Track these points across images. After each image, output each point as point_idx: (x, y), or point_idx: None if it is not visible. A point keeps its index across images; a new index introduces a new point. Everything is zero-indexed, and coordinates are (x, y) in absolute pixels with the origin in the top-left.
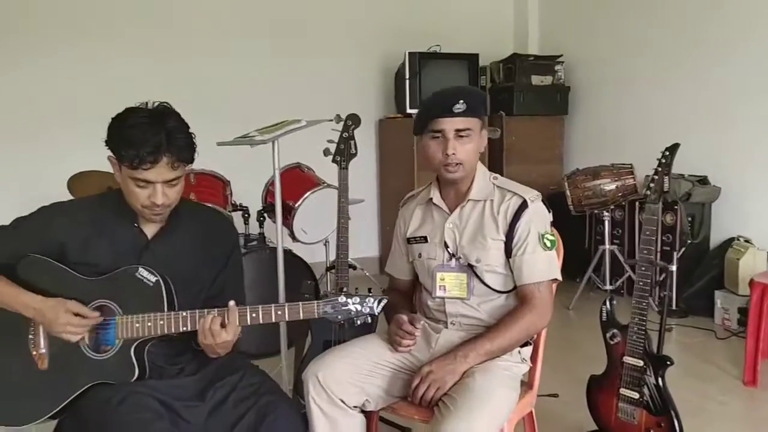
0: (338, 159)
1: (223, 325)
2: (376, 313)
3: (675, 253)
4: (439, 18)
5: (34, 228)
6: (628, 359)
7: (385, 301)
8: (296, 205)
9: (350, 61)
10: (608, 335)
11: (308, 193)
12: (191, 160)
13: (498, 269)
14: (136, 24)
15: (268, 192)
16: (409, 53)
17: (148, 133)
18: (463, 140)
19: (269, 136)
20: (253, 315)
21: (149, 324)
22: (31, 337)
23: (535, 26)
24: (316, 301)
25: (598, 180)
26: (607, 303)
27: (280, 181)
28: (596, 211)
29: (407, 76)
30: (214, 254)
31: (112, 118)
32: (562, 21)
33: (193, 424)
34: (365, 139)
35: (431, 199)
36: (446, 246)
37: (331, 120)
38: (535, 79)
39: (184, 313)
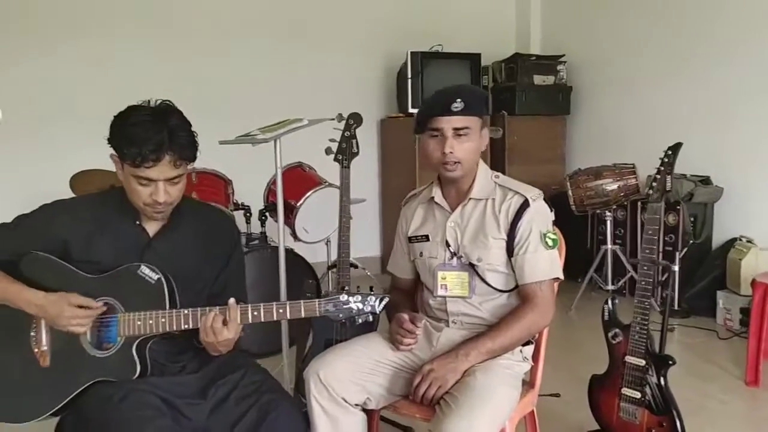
0: (340, 158)
1: (224, 323)
2: (378, 312)
3: (677, 253)
4: (441, 17)
5: (36, 225)
6: (629, 359)
7: (386, 300)
8: (298, 204)
9: (352, 60)
10: (610, 334)
11: (310, 193)
12: (193, 159)
13: (499, 268)
14: (138, 22)
15: (270, 191)
16: (411, 53)
17: (150, 131)
18: (462, 139)
19: (271, 135)
20: (255, 313)
21: (151, 322)
22: (33, 334)
23: (537, 26)
24: (317, 300)
25: (600, 180)
26: (609, 302)
27: (282, 180)
28: (598, 211)
29: (409, 76)
30: (216, 252)
31: (115, 116)
32: (564, 21)
33: (195, 422)
34: (367, 138)
35: (433, 197)
36: (448, 245)
37: (333, 119)
38: (537, 79)
39: (186, 311)
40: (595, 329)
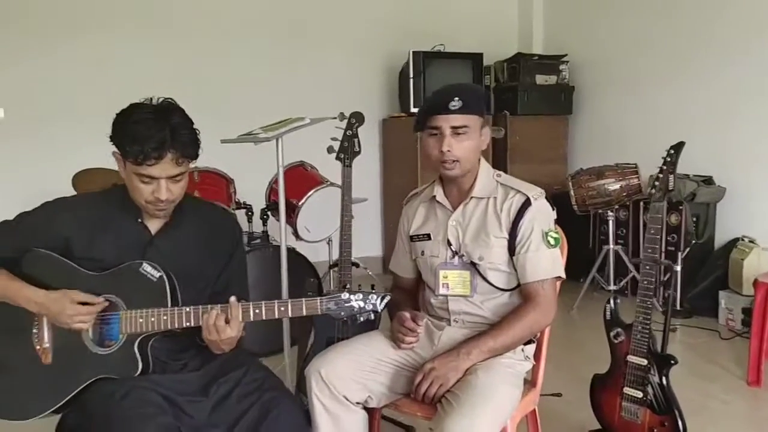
0: (342, 157)
1: (227, 321)
2: (379, 310)
3: (679, 253)
4: (443, 17)
5: (38, 223)
6: (631, 358)
7: (388, 298)
8: (300, 204)
9: (354, 60)
10: (612, 334)
11: (312, 192)
12: (195, 156)
13: (501, 267)
14: (138, 22)
15: (272, 190)
16: (413, 52)
17: (152, 129)
18: (461, 137)
19: (273, 134)
20: (257, 311)
21: (153, 319)
22: (35, 331)
23: (539, 26)
24: (319, 298)
25: (603, 180)
26: (611, 301)
27: (284, 179)
28: (600, 211)
29: (411, 75)
30: (218, 250)
31: (117, 114)
32: (566, 21)
33: (196, 419)
34: (369, 138)
35: (434, 196)
36: (449, 243)
37: (335, 118)
38: (540, 79)
39: (188, 309)
40: (597, 329)
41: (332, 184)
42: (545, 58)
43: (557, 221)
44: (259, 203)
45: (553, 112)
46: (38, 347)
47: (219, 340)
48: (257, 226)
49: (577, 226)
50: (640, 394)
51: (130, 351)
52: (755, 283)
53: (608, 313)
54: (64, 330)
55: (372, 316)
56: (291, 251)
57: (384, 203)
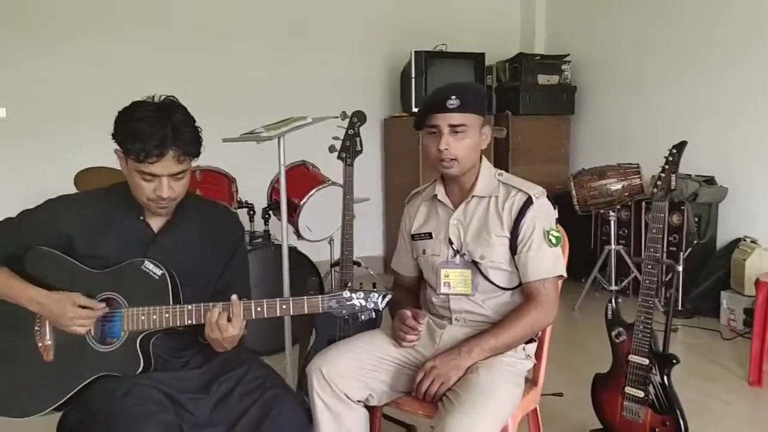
0: (344, 156)
1: (229, 320)
2: (381, 308)
3: (681, 254)
4: (445, 17)
5: (40, 220)
6: (633, 357)
7: (389, 297)
8: (301, 203)
9: (356, 59)
10: (613, 333)
11: (313, 191)
12: (197, 154)
13: (503, 266)
14: (138, 22)
15: (274, 189)
16: (415, 52)
17: (154, 126)
18: (459, 136)
19: (275, 133)
20: (258, 309)
21: (155, 317)
22: (37, 328)
23: (541, 26)
24: (320, 296)
25: (605, 180)
26: (613, 301)
27: (286, 178)
28: (602, 211)
29: (413, 75)
30: (220, 247)
31: (119, 112)
32: (568, 20)
33: (198, 417)
34: (370, 138)
35: (436, 195)
36: (451, 242)
37: (337, 117)
38: (542, 79)
39: (190, 307)
40: (599, 329)
41: (334, 184)
42: (547, 58)
43: (559, 220)
44: (260, 202)
45: (555, 112)
46: (40, 344)
47: (221, 339)
48: (259, 226)
49: (579, 226)
50: (641, 394)
51: (131, 349)
52: (757, 283)
53: (610, 312)
54: None
55: (373, 315)
56: (292, 250)
57: (385, 203)
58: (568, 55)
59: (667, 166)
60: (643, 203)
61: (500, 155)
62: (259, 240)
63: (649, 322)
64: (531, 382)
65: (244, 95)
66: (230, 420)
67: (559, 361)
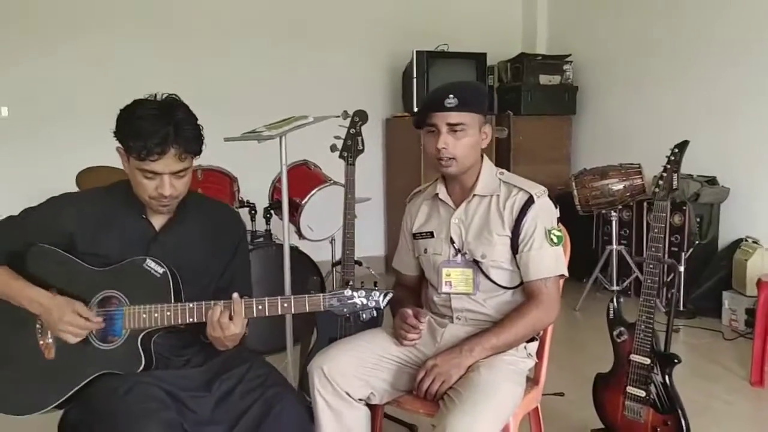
0: (345, 155)
1: (230, 318)
2: (382, 307)
3: (683, 254)
4: (447, 17)
5: (42, 218)
6: (635, 357)
7: (390, 295)
8: (303, 202)
9: (358, 59)
10: (615, 333)
11: (315, 190)
12: (199, 152)
13: (504, 265)
14: (138, 22)
15: (275, 189)
16: (417, 52)
17: (156, 124)
18: (458, 135)
19: (277, 132)
20: (259, 307)
21: (156, 315)
22: (38, 326)
23: (543, 26)
24: (321, 294)
25: (606, 180)
26: (614, 300)
27: (287, 178)
28: (604, 211)
29: (414, 75)
30: (222, 245)
31: (121, 110)
32: (570, 21)
33: (199, 415)
34: (372, 137)
35: (437, 194)
36: (452, 241)
37: (339, 116)
38: (543, 79)
39: (191, 305)
40: (600, 329)
41: (335, 183)
42: (549, 58)
43: (560, 220)
44: (262, 202)
45: (556, 112)
46: (41, 342)
47: (223, 337)
48: (260, 225)
49: (581, 226)
50: (643, 393)
51: (133, 347)
52: (759, 283)
53: (611, 312)
54: None
55: (374, 313)
56: (294, 250)
57: (387, 203)
58: (569, 55)
59: (669, 166)
60: (645, 203)
61: (502, 155)
62: (261, 239)
63: (651, 321)
64: (532, 381)
65: (245, 96)
66: (232, 418)
67: (560, 360)
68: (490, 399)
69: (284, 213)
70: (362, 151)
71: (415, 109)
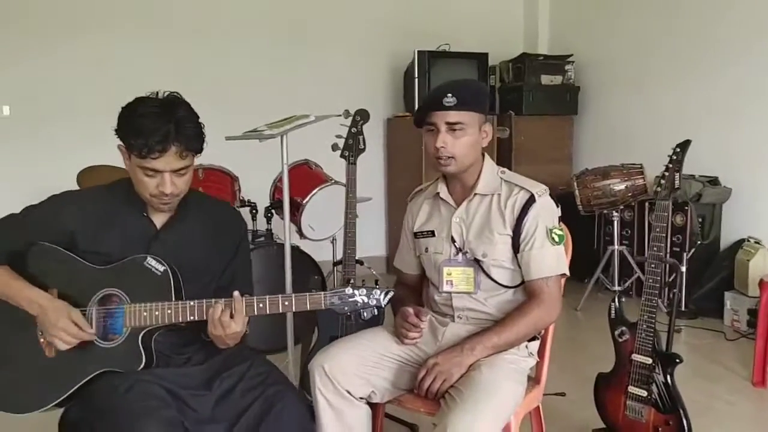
0: (346, 154)
1: (232, 316)
2: (383, 305)
3: (685, 254)
4: (448, 17)
5: (44, 216)
6: (636, 357)
7: (391, 293)
8: (304, 202)
9: (359, 59)
10: (617, 332)
11: (316, 190)
12: (200, 150)
13: (505, 264)
14: (139, 22)
15: (276, 188)
16: (419, 52)
17: (157, 122)
18: (457, 134)
19: (278, 131)
20: (260, 305)
21: (157, 313)
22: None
23: (545, 26)
24: (322, 293)
25: (608, 180)
26: (616, 300)
27: (288, 177)
28: (605, 212)
29: (416, 75)
30: (223, 244)
31: (123, 107)
32: (572, 21)
33: (200, 413)
34: (374, 137)
35: (438, 193)
36: (453, 240)
37: (340, 115)
38: (545, 79)
39: (192, 303)
40: (602, 330)
41: (337, 183)
42: (550, 59)
43: (562, 220)
44: (263, 201)
45: (558, 112)
46: (42, 340)
47: (224, 335)
48: (261, 225)
49: (582, 226)
50: (644, 393)
51: (133, 345)
52: (761, 284)
53: (613, 311)
54: None
55: (375, 312)
56: (295, 249)
57: (388, 203)
58: (571, 55)
59: (671, 165)
60: (647, 204)
61: (503, 155)
62: (262, 239)
63: (653, 320)
64: (534, 380)
65: (246, 97)
66: (232, 416)
67: (561, 361)
68: (491, 398)
69: (285, 212)
70: (363, 150)
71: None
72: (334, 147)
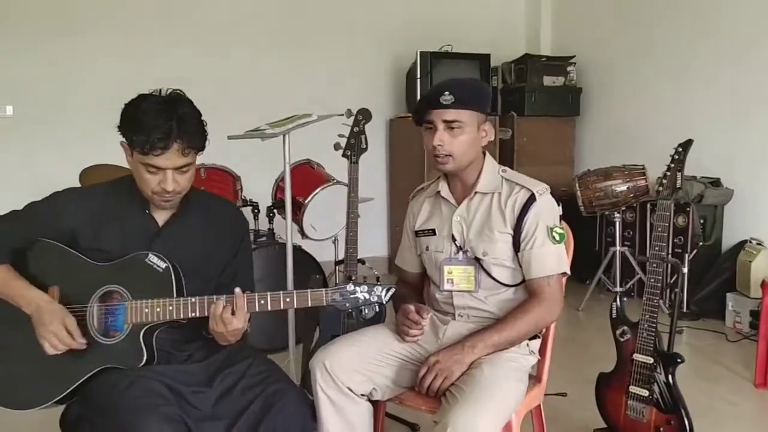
0: (348, 153)
1: (233, 313)
2: (384, 302)
3: (686, 255)
4: (450, 18)
5: (46, 213)
6: (638, 356)
7: (393, 290)
8: (306, 202)
9: (362, 60)
10: (618, 332)
11: (318, 190)
12: (202, 148)
13: (506, 263)
14: (140, 22)
15: (278, 188)
16: (421, 53)
17: (159, 119)
18: (455, 132)
19: (280, 130)
20: (262, 302)
21: (158, 309)
22: None
23: (547, 27)
24: (324, 289)
25: (610, 181)
26: (617, 300)
27: (290, 177)
28: (607, 213)
29: (418, 76)
30: (225, 242)
31: (126, 104)
32: (574, 22)
33: (201, 410)
34: (376, 138)
35: (439, 191)
36: (454, 239)
37: (342, 114)
38: (547, 80)
39: (193, 300)
40: (603, 330)
41: (339, 183)
42: (553, 60)
43: (563, 220)
44: (265, 201)
45: (560, 113)
46: None
47: (225, 332)
48: (263, 224)
49: (584, 227)
50: (646, 393)
51: (135, 341)
52: (763, 285)
53: (614, 311)
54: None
55: (377, 309)
56: (297, 249)
57: (390, 204)
58: (573, 56)
59: (672, 165)
60: (649, 205)
61: (505, 156)
62: (264, 239)
63: (654, 320)
64: (535, 378)
65: (247, 97)
66: (233, 414)
67: (563, 361)
68: (492, 395)
69: (287, 212)
70: (365, 149)
71: None
72: (337, 146)
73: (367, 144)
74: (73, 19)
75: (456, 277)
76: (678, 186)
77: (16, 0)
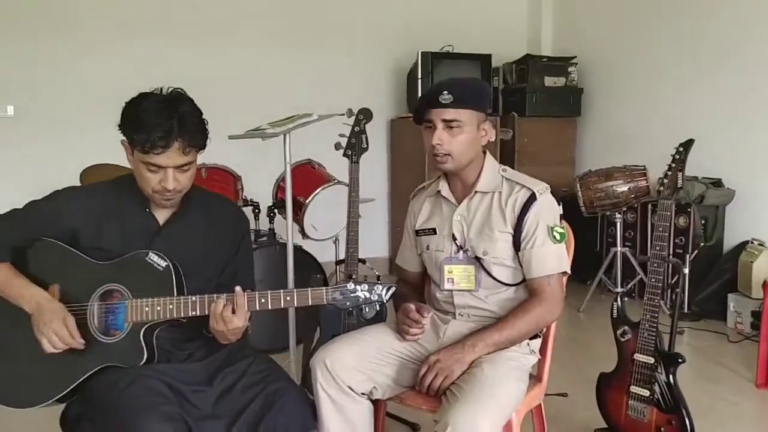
0: (349, 153)
1: (234, 311)
2: (385, 301)
3: (688, 256)
4: (452, 18)
5: (46, 212)
6: (638, 356)
7: (393, 289)
8: (307, 202)
9: (363, 60)
10: (619, 332)
11: (319, 190)
12: (203, 146)
13: (506, 262)
14: (140, 22)
15: (279, 188)
16: (422, 53)
17: (160, 117)
18: (453, 131)
19: (281, 129)
20: (262, 300)
21: (158, 308)
22: None
23: (548, 27)
24: (324, 288)
25: (611, 181)
26: (618, 300)
27: (291, 177)
28: (608, 213)
29: (419, 76)
30: (225, 241)
31: (126, 102)
32: (575, 22)
33: (201, 409)
34: (377, 138)
35: (440, 191)
36: (454, 238)
37: (343, 114)
38: (548, 81)
39: (194, 298)
40: (604, 331)
41: (339, 183)
42: (554, 60)
43: (564, 220)
44: (266, 201)
45: (561, 114)
46: None
47: (226, 330)
48: (264, 224)
49: (585, 227)
50: (646, 393)
51: (135, 340)
52: (764, 285)
53: (615, 311)
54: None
55: (377, 308)
56: (297, 249)
57: (391, 204)
58: (574, 57)
59: (673, 164)
60: (650, 205)
61: (506, 157)
62: (264, 238)
63: (655, 320)
64: (535, 378)
65: (248, 98)
66: (233, 413)
67: (563, 361)
68: (492, 394)
69: (288, 212)
70: (366, 149)
71: None
72: (338, 146)
73: (368, 144)
74: (73, 19)
75: (456, 276)
76: (679, 186)
77: (16, 0)
